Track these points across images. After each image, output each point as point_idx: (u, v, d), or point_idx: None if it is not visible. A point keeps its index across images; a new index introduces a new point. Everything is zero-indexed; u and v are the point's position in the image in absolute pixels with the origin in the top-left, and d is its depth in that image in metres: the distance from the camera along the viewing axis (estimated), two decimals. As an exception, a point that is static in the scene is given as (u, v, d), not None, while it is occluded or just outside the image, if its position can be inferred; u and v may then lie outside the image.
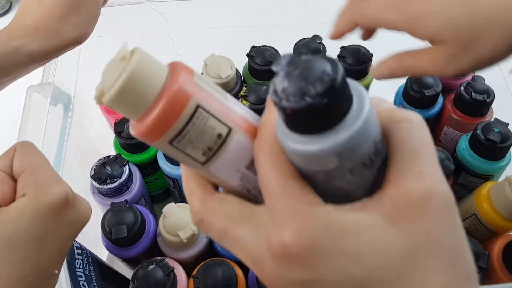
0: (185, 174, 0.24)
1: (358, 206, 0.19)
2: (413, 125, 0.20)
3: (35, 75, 0.52)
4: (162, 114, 0.20)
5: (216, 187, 0.24)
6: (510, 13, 0.34)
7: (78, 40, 0.43)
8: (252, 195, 0.24)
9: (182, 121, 0.20)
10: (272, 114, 0.21)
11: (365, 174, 0.20)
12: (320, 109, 0.18)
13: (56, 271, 0.30)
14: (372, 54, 0.59)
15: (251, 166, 0.23)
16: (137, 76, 0.19)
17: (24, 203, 0.29)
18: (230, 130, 0.22)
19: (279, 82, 0.18)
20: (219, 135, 0.21)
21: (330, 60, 0.18)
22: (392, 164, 0.20)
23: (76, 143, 0.56)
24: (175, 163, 0.53)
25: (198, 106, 0.20)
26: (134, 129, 0.21)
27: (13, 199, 0.30)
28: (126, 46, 0.20)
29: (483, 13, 0.35)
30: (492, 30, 0.34)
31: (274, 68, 0.18)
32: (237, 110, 0.22)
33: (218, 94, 0.22)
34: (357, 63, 0.58)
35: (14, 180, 0.31)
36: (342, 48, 0.59)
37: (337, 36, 0.45)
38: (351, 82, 0.19)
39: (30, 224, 0.28)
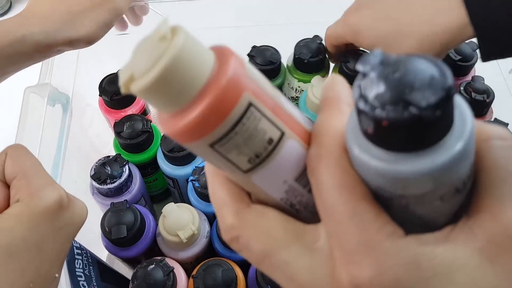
0: (214, 179, 0.20)
1: (442, 237, 0.16)
2: (507, 143, 0.17)
3: (33, 76, 0.53)
4: (208, 111, 0.16)
5: (250, 196, 0.20)
6: (425, 26, 0.42)
7: (86, 40, 0.42)
8: (294, 210, 0.20)
9: (230, 121, 0.17)
10: (334, 119, 0.18)
11: (455, 201, 0.17)
12: (428, 123, 0.14)
13: (57, 275, 0.30)
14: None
15: (301, 177, 0.19)
16: (181, 61, 0.15)
17: (18, 209, 0.28)
18: (283, 134, 0.18)
19: (371, 86, 0.15)
20: (270, 140, 0.18)
21: (434, 61, 0.15)
22: (484, 189, 0.16)
23: (76, 143, 0.56)
24: (175, 163, 0.53)
25: (250, 104, 0.17)
26: (167, 126, 0.17)
27: (7, 205, 0.29)
28: (167, 22, 0.16)
29: (404, 26, 0.43)
30: (411, 41, 0.42)
31: (361, 67, 0.15)
32: (290, 110, 0.19)
33: (270, 89, 0.18)
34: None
35: (7, 185, 0.30)
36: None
37: (334, 61, 0.56)
38: None
39: (27, 231, 0.28)
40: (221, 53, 0.17)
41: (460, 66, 0.58)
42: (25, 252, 0.28)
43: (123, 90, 0.16)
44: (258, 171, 0.19)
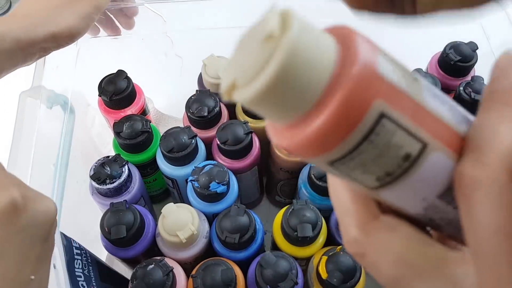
0: (336, 181, 0.17)
1: None
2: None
3: (28, 82, 0.52)
4: (327, 127, 0.13)
5: (380, 203, 0.17)
6: None
7: (68, 34, 0.42)
8: (434, 224, 0.17)
9: (355, 138, 0.14)
10: (506, 126, 0.13)
11: None
12: None
13: (33, 277, 0.29)
14: None
15: (446, 194, 0.16)
16: (295, 64, 0.12)
17: None
18: (425, 146, 0.15)
19: None
20: (407, 156, 0.14)
21: None
22: None
23: (75, 143, 0.56)
24: (175, 163, 0.53)
25: (382, 115, 0.13)
26: (283, 139, 0.14)
27: None
28: (276, 15, 0.13)
29: None
30: None
31: None
32: (437, 108, 0.15)
33: (410, 83, 0.14)
34: None
35: None
36: None
37: None
38: None
39: None
40: (346, 43, 0.13)
41: (460, 66, 0.58)
42: None
43: (224, 98, 0.14)
44: (389, 189, 0.16)
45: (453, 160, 0.15)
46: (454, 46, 0.58)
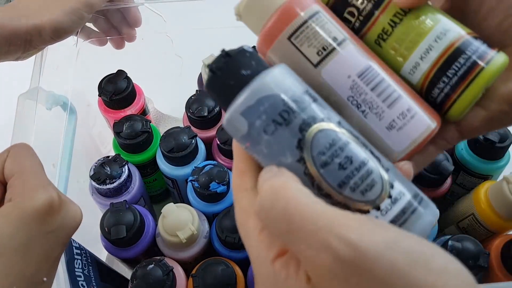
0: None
1: None
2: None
3: (30, 81, 0.52)
4: (286, 10, 0.24)
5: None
6: None
7: (51, 28, 0.42)
8: (361, 112, 0.24)
9: (302, 18, 0.23)
10: None
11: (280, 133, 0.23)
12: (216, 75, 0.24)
13: (45, 279, 0.29)
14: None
15: (363, 75, 0.24)
16: None
17: (8, 209, 0.28)
18: (345, 38, 0.24)
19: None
20: (335, 38, 0.24)
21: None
22: None
23: (75, 143, 0.55)
24: (175, 163, 0.53)
25: (318, 12, 0.24)
26: (261, 34, 0.25)
27: (1, 204, 0.29)
28: None
29: None
30: None
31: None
32: (352, 32, 0.25)
33: (336, 17, 0.25)
34: None
35: (4, 184, 0.30)
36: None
37: None
38: None
39: (14, 230, 0.27)
40: None
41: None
42: (11, 252, 0.27)
43: (235, 14, 0.27)
44: (325, 65, 0.24)
45: (365, 54, 0.24)
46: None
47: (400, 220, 0.21)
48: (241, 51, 0.22)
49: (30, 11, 0.41)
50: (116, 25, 0.54)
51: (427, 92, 0.25)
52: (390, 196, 0.21)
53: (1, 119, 0.61)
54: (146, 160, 0.56)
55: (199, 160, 0.54)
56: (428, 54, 0.24)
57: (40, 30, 0.41)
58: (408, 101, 0.24)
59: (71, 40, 0.58)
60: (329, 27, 0.24)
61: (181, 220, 0.47)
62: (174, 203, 0.48)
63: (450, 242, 0.46)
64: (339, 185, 0.21)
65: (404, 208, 0.21)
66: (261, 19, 0.24)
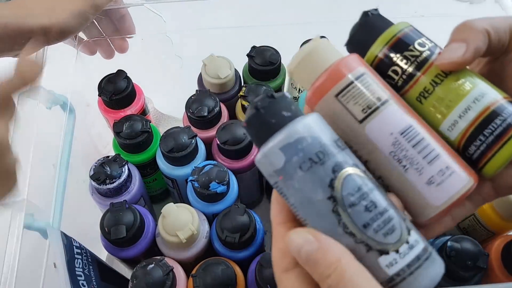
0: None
1: None
2: None
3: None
4: (335, 71, 0.26)
5: None
6: None
7: (58, 29, 0.42)
8: (402, 167, 0.26)
9: (349, 79, 0.26)
10: None
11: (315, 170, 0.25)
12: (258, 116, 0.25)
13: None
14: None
15: (405, 133, 0.26)
16: (319, 50, 0.27)
17: None
18: (388, 99, 0.26)
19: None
20: (379, 98, 0.26)
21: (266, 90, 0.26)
22: None
23: (75, 143, 0.55)
24: (174, 163, 0.53)
25: (364, 73, 0.26)
26: (310, 90, 0.27)
27: None
28: (318, 36, 0.28)
29: None
30: None
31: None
32: (395, 93, 0.27)
33: (381, 78, 0.27)
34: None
35: None
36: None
37: None
38: None
39: None
40: (351, 55, 0.28)
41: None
42: None
43: (287, 71, 0.37)
44: (369, 122, 0.26)
45: (407, 114, 0.26)
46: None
47: (415, 265, 0.23)
48: (283, 95, 0.25)
49: (38, 11, 0.41)
50: (108, 35, 0.54)
51: (464, 149, 0.27)
52: (407, 242, 0.23)
53: None
54: (146, 160, 0.56)
55: (199, 160, 0.54)
56: (466, 114, 0.26)
57: (46, 30, 0.41)
58: (447, 159, 0.26)
59: (71, 39, 0.58)
60: (373, 88, 0.26)
61: (181, 220, 0.47)
62: (174, 203, 0.48)
63: (449, 243, 0.46)
64: (364, 225, 0.23)
65: (419, 254, 0.24)
66: (311, 77, 0.27)
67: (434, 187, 0.26)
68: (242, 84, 0.62)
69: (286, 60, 0.61)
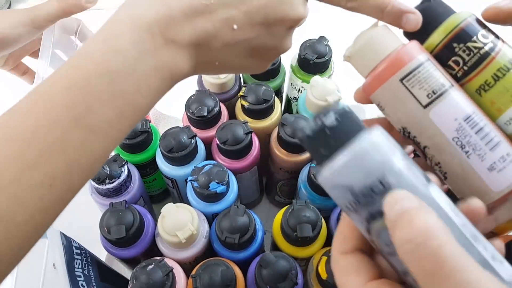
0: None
1: None
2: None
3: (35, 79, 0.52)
4: (400, 56, 0.26)
5: None
6: None
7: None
8: (464, 152, 0.26)
9: (414, 64, 0.26)
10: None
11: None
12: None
13: None
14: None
15: (469, 118, 0.26)
16: (379, 36, 0.27)
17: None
18: (452, 85, 0.26)
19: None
20: (443, 84, 0.26)
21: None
22: None
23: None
24: (174, 163, 0.53)
25: (428, 60, 0.26)
26: (370, 76, 0.27)
27: None
28: (376, 22, 0.28)
29: None
30: None
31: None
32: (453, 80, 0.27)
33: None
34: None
35: None
36: None
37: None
38: None
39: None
40: (412, 41, 0.28)
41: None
42: None
43: (344, 59, 0.29)
44: (434, 107, 0.26)
45: (469, 101, 0.27)
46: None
47: None
48: (349, 111, 0.23)
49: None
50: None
51: None
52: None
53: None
54: (145, 160, 0.56)
55: (199, 160, 0.53)
56: None
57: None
58: (507, 146, 0.26)
59: (70, 39, 0.57)
60: (437, 74, 0.26)
61: (180, 220, 0.47)
62: (174, 203, 0.48)
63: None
64: None
65: None
66: (371, 63, 0.27)
67: (496, 173, 0.26)
68: (242, 84, 0.62)
69: (286, 60, 0.61)
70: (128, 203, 0.49)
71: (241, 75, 0.62)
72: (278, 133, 0.54)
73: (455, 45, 0.28)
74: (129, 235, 0.47)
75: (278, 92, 0.62)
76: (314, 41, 0.59)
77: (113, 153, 0.55)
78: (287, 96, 0.68)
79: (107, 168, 0.50)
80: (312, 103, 0.56)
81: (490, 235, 0.52)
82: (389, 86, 0.27)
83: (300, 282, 0.44)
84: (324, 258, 0.44)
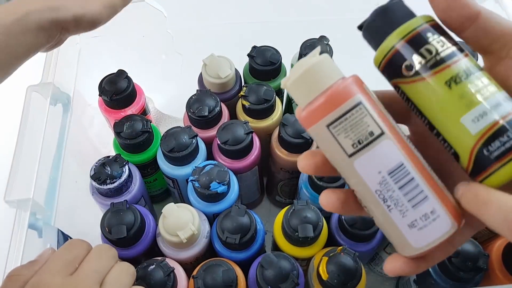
0: None
1: None
2: None
3: (34, 75, 0.53)
4: (329, 99, 0.25)
5: None
6: None
7: (90, 19, 0.42)
8: (386, 206, 0.26)
9: (343, 109, 0.25)
10: None
11: None
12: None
13: None
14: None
15: (394, 173, 0.25)
16: (316, 68, 0.25)
17: None
18: (382, 133, 0.25)
19: None
20: (371, 133, 0.25)
21: None
22: None
23: (76, 143, 0.55)
24: (175, 163, 0.53)
25: (360, 103, 0.25)
26: (299, 113, 0.26)
27: None
28: (318, 50, 0.26)
29: None
30: None
31: None
32: (394, 123, 0.26)
33: (380, 105, 0.26)
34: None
35: None
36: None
37: None
38: None
39: None
40: (347, 77, 0.26)
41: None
42: None
43: (281, 86, 0.27)
44: (359, 157, 0.25)
45: (400, 151, 0.25)
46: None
47: None
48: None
49: (71, 3, 0.41)
50: None
51: (486, 143, 0.24)
52: None
53: (9, 108, 0.61)
54: (146, 160, 0.56)
55: (200, 160, 0.53)
56: (501, 106, 0.24)
57: (78, 21, 0.41)
58: (433, 203, 0.25)
59: (73, 39, 0.57)
60: (367, 121, 0.25)
61: (181, 220, 0.47)
62: (175, 203, 0.48)
63: (451, 243, 0.46)
64: None
65: None
66: (306, 97, 0.25)
67: (416, 231, 0.25)
68: (243, 84, 0.62)
69: (286, 60, 0.61)
70: (129, 203, 0.49)
71: (242, 75, 0.62)
72: (279, 133, 0.53)
73: (429, 34, 0.26)
74: (130, 235, 0.47)
75: (279, 92, 0.62)
76: (315, 40, 0.59)
77: (114, 153, 0.55)
78: (287, 96, 0.68)
79: (108, 168, 0.50)
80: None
81: (491, 235, 0.52)
82: (317, 129, 0.25)
83: (301, 283, 0.44)
84: (325, 259, 0.44)
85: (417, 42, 0.25)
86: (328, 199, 0.29)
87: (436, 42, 0.25)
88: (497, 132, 0.24)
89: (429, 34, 0.25)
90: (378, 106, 0.25)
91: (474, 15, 0.26)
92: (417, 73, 0.26)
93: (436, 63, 0.25)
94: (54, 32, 0.40)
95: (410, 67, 0.26)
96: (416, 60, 0.25)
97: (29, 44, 0.39)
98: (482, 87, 0.24)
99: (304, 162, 0.29)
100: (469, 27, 0.26)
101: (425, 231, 0.25)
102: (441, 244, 0.26)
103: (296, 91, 0.26)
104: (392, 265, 0.28)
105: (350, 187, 0.27)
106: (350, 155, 0.25)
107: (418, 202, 0.25)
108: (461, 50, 0.26)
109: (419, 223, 0.25)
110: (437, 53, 0.25)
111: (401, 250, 0.27)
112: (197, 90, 0.57)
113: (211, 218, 0.51)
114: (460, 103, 0.24)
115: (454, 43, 0.26)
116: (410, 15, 0.27)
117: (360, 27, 0.28)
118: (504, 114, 0.24)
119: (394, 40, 0.26)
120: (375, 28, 0.27)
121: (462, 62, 0.25)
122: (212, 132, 0.56)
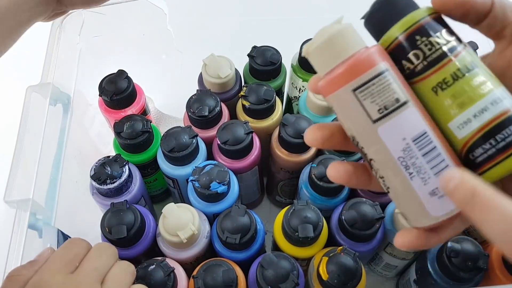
0: None
1: None
2: None
3: (34, 75, 0.53)
4: (356, 64, 0.24)
5: None
6: None
7: None
8: (408, 173, 0.25)
9: (371, 74, 0.24)
10: None
11: None
12: None
13: None
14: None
15: (418, 139, 0.25)
16: (342, 35, 0.25)
17: None
18: (407, 100, 0.25)
19: None
20: (397, 100, 0.25)
21: None
22: None
23: (76, 143, 0.55)
24: (175, 163, 0.53)
25: (387, 69, 0.25)
26: (315, 82, 0.26)
27: None
28: (341, 17, 0.26)
29: None
30: None
31: None
32: (413, 94, 0.26)
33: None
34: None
35: None
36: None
37: None
38: None
39: None
40: (374, 46, 0.26)
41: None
42: None
43: (303, 53, 0.26)
44: (384, 123, 0.25)
45: (424, 120, 0.25)
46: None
47: None
48: None
49: None
50: None
51: (470, 150, 0.26)
52: None
53: (8, 109, 0.61)
54: (146, 160, 0.56)
55: (200, 160, 0.53)
56: (482, 115, 0.25)
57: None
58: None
59: (73, 39, 0.57)
60: (393, 87, 0.25)
61: (181, 220, 0.47)
62: (175, 203, 0.48)
63: (449, 244, 0.46)
64: None
65: None
66: (329, 64, 0.25)
67: (436, 199, 0.26)
68: (243, 84, 0.62)
69: (286, 60, 0.61)
70: (129, 203, 0.49)
71: (242, 75, 0.62)
72: (279, 133, 0.53)
73: (418, 37, 0.26)
74: (130, 235, 0.47)
75: (279, 92, 0.62)
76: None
77: (114, 153, 0.55)
78: (288, 95, 0.67)
79: (108, 168, 0.50)
80: (313, 103, 0.56)
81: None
82: (341, 94, 0.25)
83: (301, 283, 0.44)
84: (325, 259, 0.44)
85: (408, 45, 0.26)
86: (335, 171, 0.29)
87: (432, 41, 0.26)
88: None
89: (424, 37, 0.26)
90: (401, 76, 0.26)
91: (489, 5, 0.26)
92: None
93: (425, 66, 0.26)
94: (51, 3, 0.42)
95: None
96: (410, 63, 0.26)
97: (31, 11, 0.40)
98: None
99: (312, 135, 0.28)
100: (484, 19, 0.27)
101: (445, 199, 0.25)
102: (456, 215, 0.26)
103: (319, 57, 0.25)
104: (402, 239, 0.28)
105: (367, 157, 0.27)
106: (375, 121, 0.25)
107: (440, 170, 0.25)
108: (451, 50, 0.26)
109: (440, 191, 0.25)
110: (425, 58, 0.26)
111: (415, 220, 0.27)
112: (197, 90, 0.57)
113: (211, 218, 0.51)
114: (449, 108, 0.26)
115: (446, 42, 0.26)
116: (413, 6, 0.27)
117: (364, 18, 0.28)
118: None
119: (397, 33, 0.26)
120: (376, 19, 0.27)
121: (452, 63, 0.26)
122: (212, 132, 0.56)
